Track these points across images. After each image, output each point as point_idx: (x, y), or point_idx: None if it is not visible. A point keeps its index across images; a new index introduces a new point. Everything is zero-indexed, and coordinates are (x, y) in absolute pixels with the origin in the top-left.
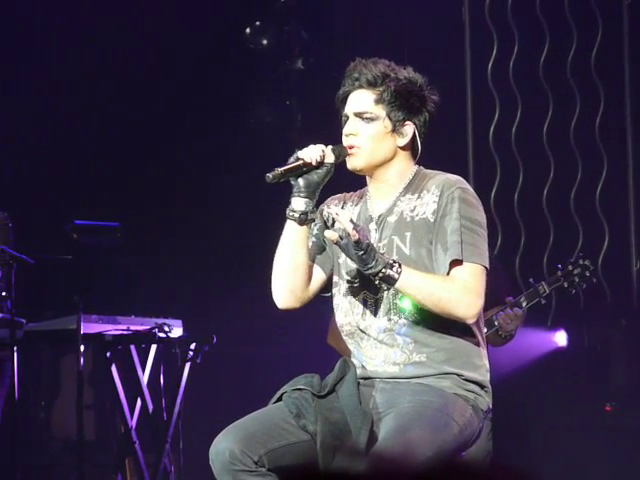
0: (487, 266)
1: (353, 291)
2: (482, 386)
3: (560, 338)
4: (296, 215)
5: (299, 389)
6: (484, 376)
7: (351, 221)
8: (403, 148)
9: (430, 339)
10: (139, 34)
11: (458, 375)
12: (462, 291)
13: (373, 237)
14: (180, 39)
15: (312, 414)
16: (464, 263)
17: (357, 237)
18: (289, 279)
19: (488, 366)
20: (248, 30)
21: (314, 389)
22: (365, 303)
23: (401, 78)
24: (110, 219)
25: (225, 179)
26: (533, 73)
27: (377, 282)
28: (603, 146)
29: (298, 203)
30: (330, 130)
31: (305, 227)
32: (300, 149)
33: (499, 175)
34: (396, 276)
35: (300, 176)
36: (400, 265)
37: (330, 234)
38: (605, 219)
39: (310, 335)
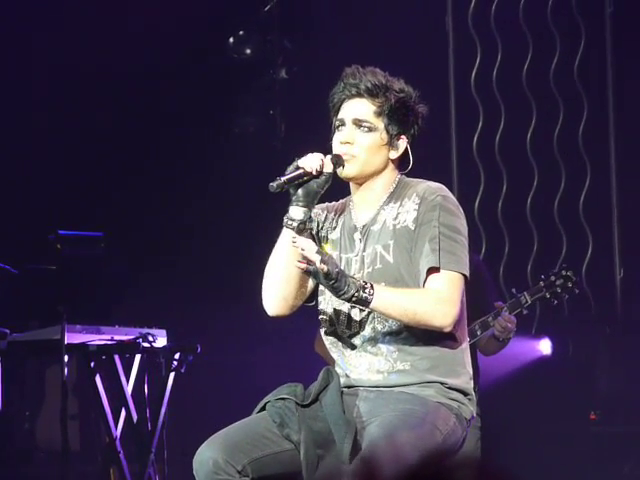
0: (466, 274)
1: (338, 300)
2: (465, 394)
3: (544, 346)
4: (295, 224)
5: (282, 398)
6: (468, 384)
7: (318, 252)
8: (393, 160)
9: (414, 347)
10: (123, 44)
11: (441, 383)
12: (436, 302)
13: (357, 247)
14: (163, 49)
15: (296, 423)
16: (441, 271)
17: (325, 269)
18: (283, 287)
19: (472, 373)
20: (231, 40)
21: (298, 398)
22: (349, 312)
23: (399, 91)
24: (94, 229)
25: (209, 189)
26: (516, 82)
27: (351, 305)
28: (586, 154)
29: (296, 212)
30: (314, 139)
31: (302, 236)
32: (299, 158)
33: (483, 184)
34: (369, 298)
35: (300, 185)
36: (372, 286)
37: (298, 265)
38: (589, 227)
39: (294, 344)
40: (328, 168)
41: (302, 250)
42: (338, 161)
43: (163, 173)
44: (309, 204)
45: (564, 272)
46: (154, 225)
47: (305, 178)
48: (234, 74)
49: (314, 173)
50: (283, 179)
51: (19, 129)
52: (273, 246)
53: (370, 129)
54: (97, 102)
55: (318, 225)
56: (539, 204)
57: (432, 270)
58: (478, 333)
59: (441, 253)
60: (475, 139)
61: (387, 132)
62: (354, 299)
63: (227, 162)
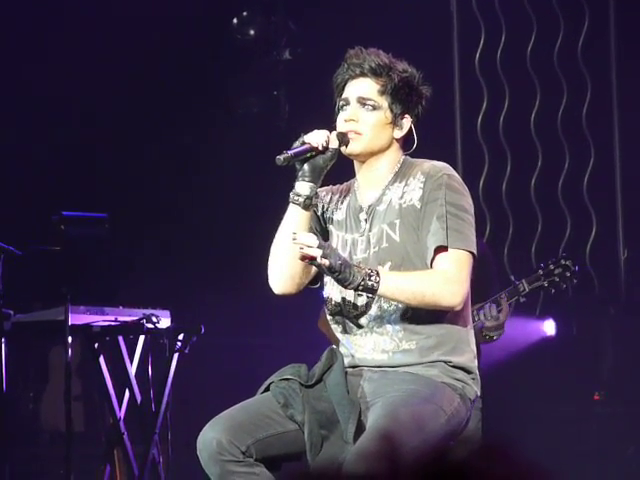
0: (473, 251)
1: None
2: (469, 372)
3: (548, 327)
4: (301, 199)
5: (286, 379)
6: (472, 362)
7: (319, 246)
8: (397, 140)
9: (420, 326)
10: (125, 25)
11: (446, 362)
12: (444, 282)
13: (363, 227)
14: (167, 30)
15: (300, 404)
16: (449, 250)
17: (327, 263)
18: (290, 264)
19: (475, 352)
20: (235, 20)
21: (301, 379)
22: (356, 292)
23: (403, 71)
24: (98, 210)
25: (213, 169)
26: (520, 63)
27: (358, 294)
28: (590, 135)
29: (303, 187)
30: (318, 120)
31: (308, 212)
32: (305, 133)
33: (487, 165)
34: (375, 285)
35: (305, 161)
36: (378, 273)
37: (300, 260)
38: (593, 208)
39: (298, 325)
40: (334, 144)
41: (301, 248)
42: (343, 139)
43: (167, 154)
44: (315, 179)
45: (563, 261)
46: (158, 206)
47: (312, 153)
48: (238, 55)
49: (320, 148)
50: (290, 153)
51: (20, 110)
52: (278, 226)
53: (374, 107)
54: (99, 84)
55: (323, 207)
56: (543, 185)
57: (440, 249)
58: (476, 319)
59: (449, 232)
60: (479, 120)
61: (391, 111)
62: (360, 288)
63: (231, 143)
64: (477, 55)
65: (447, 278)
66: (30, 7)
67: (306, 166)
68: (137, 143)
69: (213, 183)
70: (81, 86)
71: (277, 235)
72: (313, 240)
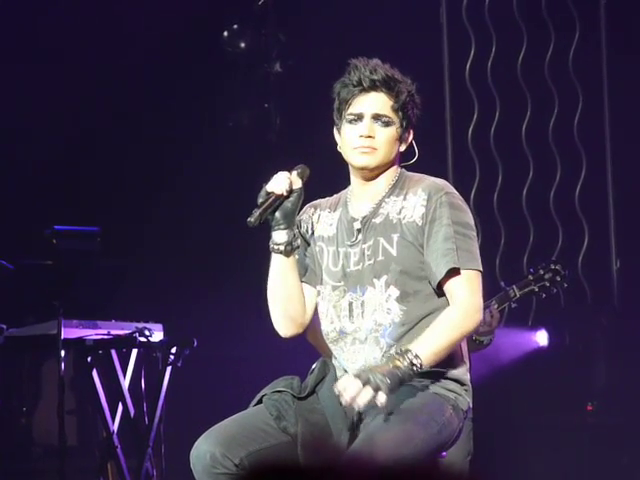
0: (481, 269)
1: (338, 295)
2: (462, 384)
3: (541, 337)
4: (281, 248)
5: (279, 391)
6: (465, 375)
7: (367, 385)
8: (400, 153)
9: (414, 341)
10: (117, 36)
11: (438, 374)
12: (465, 315)
13: (357, 239)
14: (157, 42)
15: (293, 416)
16: (461, 271)
17: (385, 401)
18: (286, 307)
19: (469, 364)
20: (226, 33)
21: (294, 391)
22: (350, 306)
23: (408, 84)
24: (90, 223)
25: (203, 182)
26: (511, 74)
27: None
28: (582, 146)
29: (280, 236)
30: (308, 132)
31: (292, 256)
32: (266, 184)
33: (478, 175)
34: (418, 368)
35: (275, 210)
36: (416, 356)
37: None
38: (585, 219)
39: (292, 338)
40: (297, 184)
41: (349, 400)
42: (304, 173)
43: (157, 167)
44: (290, 224)
45: (553, 265)
46: (150, 220)
47: (278, 202)
48: (228, 68)
49: (285, 194)
50: (259, 211)
51: (14, 123)
52: (269, 239)
53: (388, 123)
54: (94, 94)
55: (312, 226)
56: (535, 195)
57: (452, 271)
58: None
59: (459, 252)
60: (470, 130)
61: (401, 126)
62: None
63: (221, 156)
64: (467, 66)
65: (466, 311)
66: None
67: (277, 214)
68: (129, 156)
69: (204, 196)
70: (73, 101)
71: (268, 284)
72: (358, 385)
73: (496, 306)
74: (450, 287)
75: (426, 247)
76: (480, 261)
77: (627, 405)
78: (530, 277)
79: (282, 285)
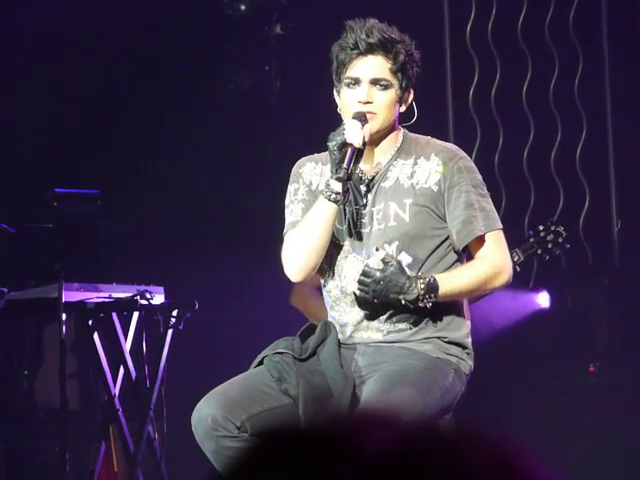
0: (501, 226)
1: (341, 255)
2: (464, 347)
3: (542, 299)
4: (339, 197)
5: (280, 352)
6: (467, 337)
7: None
8: (400, 114)
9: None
10: (115, 2)
11: (440, 338)
12: (497, 272)
13: (364, 200)
14: (157, 5)
15: (294, 378)
16: (487, 235)
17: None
18: (314, 257)
19: (470, 327)
20: None
21: (295, 352)
22: (353, 267)
23: (407, 44)
24: (91, 187)
25: (204, 146)
26: (512, 34)
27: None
28: (582, 106)
29: (341, 185)
30: (309, 95)
31: (337, 207)
32: (334, 131)
33: (479, 138)
34: (432, 294)
35: (357, 162)
36: (434, 282)
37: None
38: (586, 180)
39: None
40: (366, 136)
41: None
42: (362, 120)
43: (158, 130)
44: (351, 175)
45: (554, 227)
46: (151, 182)
47: (357, 153)
48: (229, 30)
49: (362, 147)
50: (345, 166)
51: (12, 87)
52: (270, 199)
53: (387, 87)
54: (94, 60)
55: (317, 179)
56: (535, 157)
57: (479, 237)
58: None
59: (482, 215)
60: (471, 92)
61: (400, 88)
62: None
63: (222, 118)
64: (468, 28)
65: (496, 265)
66: None
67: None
68: (130, 120)
69: (206, 158)
70: (74, 65)
71: (307, 230)
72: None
73: None
74: (480, 250)
75: (448, 213)
76: (498, 219)
77: (629, 366)
78: (532, 239)
79: (321, 234)
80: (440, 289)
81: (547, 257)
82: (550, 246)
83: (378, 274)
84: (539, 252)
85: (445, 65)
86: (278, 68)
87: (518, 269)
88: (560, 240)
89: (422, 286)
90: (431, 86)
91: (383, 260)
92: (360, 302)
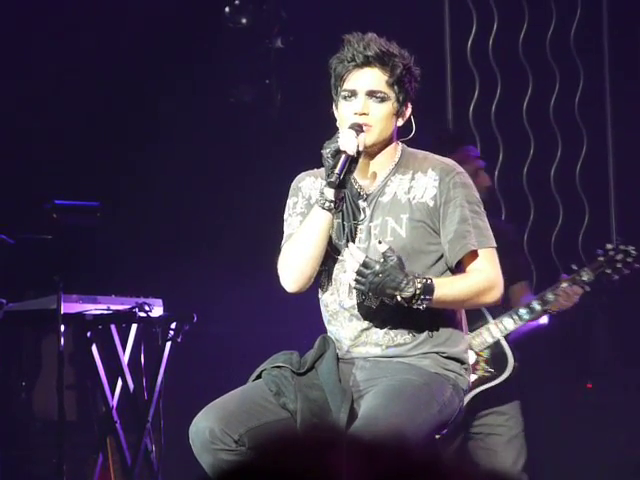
0: (495, 245)
1: (338, 269)
2: (462, 362)
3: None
4: (332, 205)
5: (278, 366)
6: (465, 353)
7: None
8: (397, 128)
9: (415, 320)
10: (120, 11)
11: (439, 353)
12: (490, 286)
13: (363, 216)
14: (160, 18)
15: (292, 392)
16: (479, 251)
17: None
18: (310, 266)
19: (468, 342)
20: (227, 9)
21: (293, 366)
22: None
23: (405, 58)
24: (90, 199)
25: (205, 159)
26: (513, 50)
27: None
28: (583, 123)
29: (335, 193)
30: (309, 108)
31: (331, 215)
32: (329, 140)
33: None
34: (427, 295)
35: (350, 170)
36: (431, 288)
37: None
38: (585, 196)
39: (290, 313)
40: (360, 145)
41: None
42: (358, 131)
43: (159, 143)
44: (346, 183)
45: (622, 247)
46: (150, 194)
47: (350, 161)
48: (230, 43)
49: (355, 155)
50: (336, 173)
51: (13, 97)
52: (270, 213)
53: (383, 99)
54: (95, 73)
55: (310, 195)
56: (535, 174)
57: (472, 253)
58: (538, 308)
59: (475, 232)
60: (471, 108)
61: (398, 101)
62: (413, 303)
63: (224, 131)
64: (469, 43)
65: (490, 279)
66: None
67: (345, 177)
68: (131, 133)
69: (206, 171)
70: (75, 77)
71: (302, 239)
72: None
73: (565, 285)
74: (471, 265)
75: (442, 228)
76: (492, 236)
77: (627, 383)
78: (600, 258)
79: (316, 243)
80: (435, 292)
81: (616, 277)
82: (620, 266)
83: (377, 266)
84: (608, 272)
85: (446, 80)
86: (279, 81)
87: (588, 289)
88: (629, 260)
89: (419, 285)
90: (432, 101)
91: (384, 254)
92: (359, 309)
